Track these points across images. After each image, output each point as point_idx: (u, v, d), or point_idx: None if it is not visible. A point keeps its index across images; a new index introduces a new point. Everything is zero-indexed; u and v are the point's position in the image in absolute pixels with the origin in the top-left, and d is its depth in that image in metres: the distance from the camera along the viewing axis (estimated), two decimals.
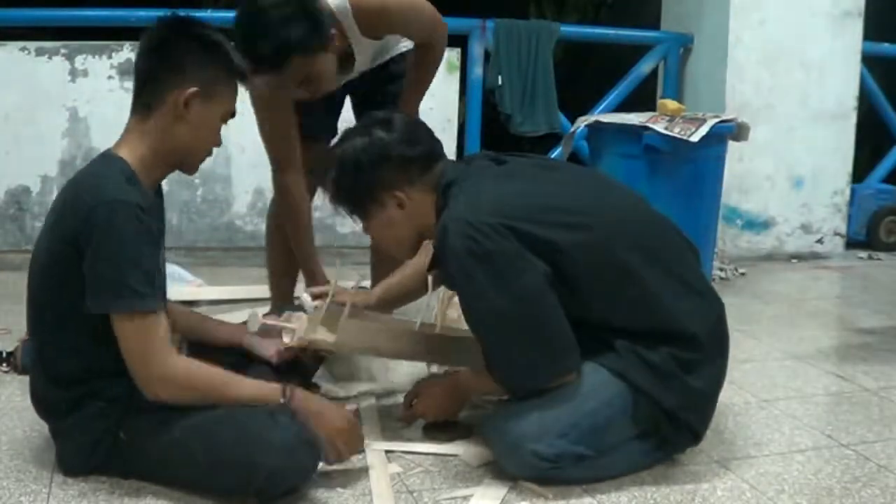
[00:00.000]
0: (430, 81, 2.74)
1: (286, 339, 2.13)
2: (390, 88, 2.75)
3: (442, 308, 2.80)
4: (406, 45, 2.73)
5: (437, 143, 2.04)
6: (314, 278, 2.68)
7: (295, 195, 2.61)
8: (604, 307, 1.89)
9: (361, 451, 1.95)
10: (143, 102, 1.81)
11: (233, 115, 1.89)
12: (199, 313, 2.27)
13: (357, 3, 2.47)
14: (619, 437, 1.90)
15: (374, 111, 2.16)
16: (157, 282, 1.77)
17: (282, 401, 1.78)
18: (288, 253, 2.77)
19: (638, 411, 1.87)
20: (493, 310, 1.82)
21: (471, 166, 2.02)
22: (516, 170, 2.02)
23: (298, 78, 2.32)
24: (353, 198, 2.00)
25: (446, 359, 2.33)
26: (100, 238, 1.68)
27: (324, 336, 2.12)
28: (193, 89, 1.78)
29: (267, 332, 2.17)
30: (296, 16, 2.21)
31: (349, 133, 2.04)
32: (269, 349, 2.12)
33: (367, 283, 2.82)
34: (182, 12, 1.85)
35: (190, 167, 1.89)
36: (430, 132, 2.05)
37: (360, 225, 2.08)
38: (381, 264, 2.83)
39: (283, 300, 2.76)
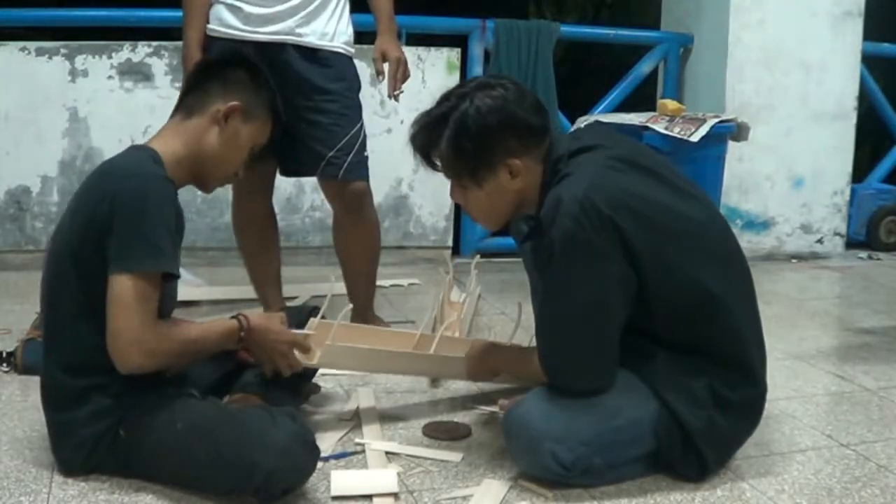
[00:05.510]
0: None
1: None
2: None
3: (441, 311, 2.80)
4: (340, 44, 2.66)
5: (549, 114, 1.96)
6: (267, 302, 2.79)
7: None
8: (671, 318, 1.84)
9: (306, 368, 2.07)
10: (186, 106, 1.92)
11: (262, 147, 2.00)
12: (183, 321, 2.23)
13: None
14: (634, 454, 1.88)
15: (481, 76, 2.11)
16: (177, 259, 1.80)
17: (241, 335, 1.88)
18: (260, 260, 2.87)
19: (660, 426, 1.85)
20: (568, 299, 1.79)
21: (582, 142, 1.92)
22: (630, 157, 1.92)
23: None
24: (470, 162, 1.86)
25: (440, 373, 2.44)
26: (132, 205, 1.72)
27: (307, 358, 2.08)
28: (236, 104, 1.90)
29: None
30: None
31: (467, 91, 1.87)
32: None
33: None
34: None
35: (208, 182, 1.96)
36: (541, 102, 1.96)
37: (453, 193, 1.96)
38: (348, 274, 2.87)
39: (270, 308, 2.80)
